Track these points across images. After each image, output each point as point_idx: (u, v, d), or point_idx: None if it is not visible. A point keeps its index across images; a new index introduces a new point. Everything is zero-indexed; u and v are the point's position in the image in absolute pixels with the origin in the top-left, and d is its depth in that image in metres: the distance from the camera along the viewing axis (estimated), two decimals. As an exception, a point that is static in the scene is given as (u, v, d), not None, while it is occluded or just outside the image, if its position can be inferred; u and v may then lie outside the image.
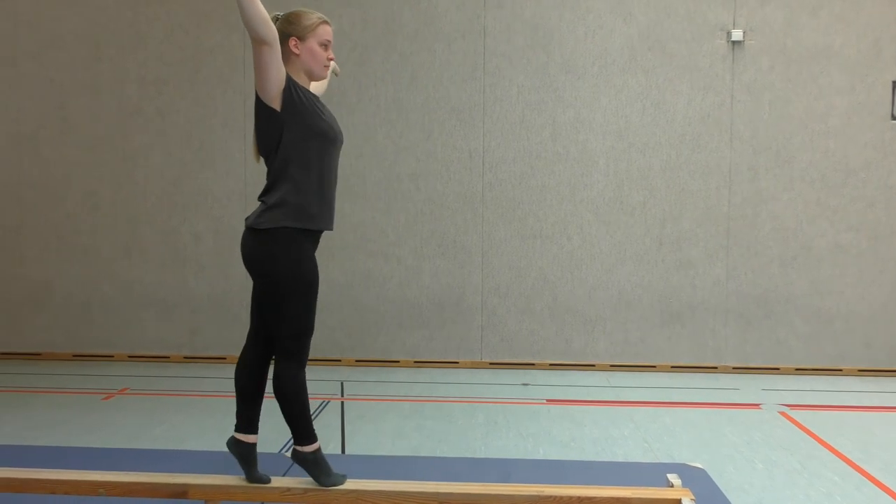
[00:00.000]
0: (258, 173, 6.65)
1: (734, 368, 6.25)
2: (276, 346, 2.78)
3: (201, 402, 5.17)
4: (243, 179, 6.44)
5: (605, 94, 6.25)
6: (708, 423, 4.79)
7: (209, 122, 6.44)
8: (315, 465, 2.79)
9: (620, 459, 4.08)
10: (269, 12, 2.72)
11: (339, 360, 6.44)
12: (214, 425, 4.64)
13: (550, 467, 3.78)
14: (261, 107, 2.69)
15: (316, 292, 2.79)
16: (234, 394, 2.90)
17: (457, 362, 6.41)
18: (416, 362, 6.43)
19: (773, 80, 6.16)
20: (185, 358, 6.42)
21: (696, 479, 3.50)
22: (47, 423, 4.76)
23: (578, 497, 2.72)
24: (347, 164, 6.37)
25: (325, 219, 2.80)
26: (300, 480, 2.85)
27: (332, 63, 3.02)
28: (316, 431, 2.84)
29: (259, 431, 2.89)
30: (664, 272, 6.28)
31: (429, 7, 6.33)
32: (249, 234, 2.73)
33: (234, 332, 6.49)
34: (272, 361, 2.85)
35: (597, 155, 6.28)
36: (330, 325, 6.46)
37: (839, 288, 6.19)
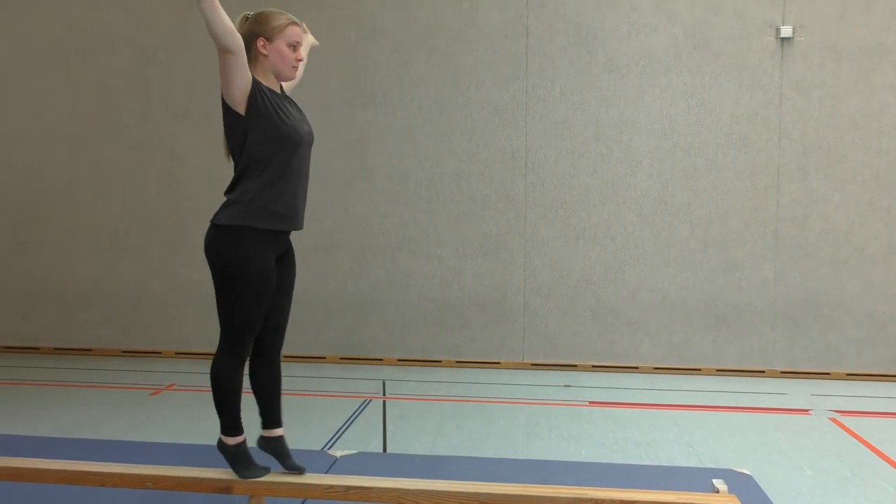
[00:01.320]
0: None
1: (782, 373, 6.12)
2: (220, 337, 2.81)
3: (246, 399, 5.24)
4: (287, 180, 6.51)
5: (650, 94, 6.17)
6: (755, 429, 4.70)
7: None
8: (235, 458, 2.83)
9: (664, 463, 4.03)
10: (243, 11, 2.77)
11: (381, 360, 6.47)
12: (259, 420, 4.70)
13: (592, 470, 3.75)
14: (226, 110, 2.71)
15: (263, 293, 2.76)
16: (252, 394, 2.96)
17: (498, 363, 6.39)
18: (457, 362, 6.43)
19: (823, 78, 6.01)
20: (230, 355, 6.52)
21: (742, 485, 3.44)
22: (98, 417, 4.88)
23: (621, 500, 2.69)
24: (390, 163, 6.42)
25: (286, 219, 2.78)
26: (343, 478, 2.87)
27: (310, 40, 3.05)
28: (244, 425, 2.87)
29: (284, 424, 2.97)
30: (709, 274, 6.17)
31: (471, 7, 6.33)
32: (209, 229, 2.78)
33: (278, 330, 6.58)
34: (270, 354, 2.94)
35: (641, 155, 6.21)
36: (371, 325, 6.50)
37: (894, 291, 6.01)
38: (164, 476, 2.87)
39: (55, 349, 6.91)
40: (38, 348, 6.93)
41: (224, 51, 2.57)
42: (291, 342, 6.88)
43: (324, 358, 6.50)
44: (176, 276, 6.67)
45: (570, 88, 6.24)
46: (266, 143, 2.69)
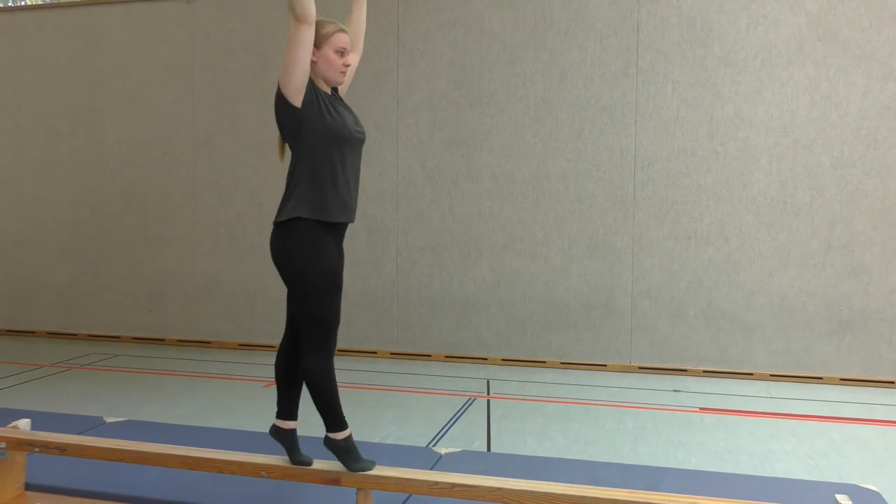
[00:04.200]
0: (410, 174, 6.86)
1: (914, 384, 5.71)
2: (303, 338, 2.88)
3: (354, 394, 5.38)
4: (394, 180, 6.63)
5: (769, 88, 5.90)
6: (884, 443, 4.40)
7: (364, 124, 6.66)
8: (346, 452, 2.89)
9: (781, 476, 3.84)
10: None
11: (486, 359, 6.48)
12: (366, 416, 4.81)
13: (703, 478, 3.62)
14: (282, 105, 2.81)
15: (337, 283, 2.86)
16: (275, 383, 3.07)
17: (604, 365, 6.28)
18: (562, 363, 6.36)
19: (965, 68, 5.56)
20: (339, 351, 6.70)
21: (869, 502, 3.23)
22: (216, 406, 5.14)
23: (735, 512, 2.58)
24: (496, 163, 6.43)
25: (340, 212, 2.87)
26: (448, 475, 2.89)
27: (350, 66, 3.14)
28: (347, 419, 2.94)
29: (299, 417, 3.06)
30: (833, 277, 5.84)
31: (580, 4, 6.24)
32: (273, 230, 2.87)
33: (386, 326, 6.72)
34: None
35: (758, 152, 5.94)
36: (477, 324, 6.53)
37: None
38: (278, 466, 2.98)
39: (178, 341, 7.32)
40: (163, 340, 7.36)
41: (299, 18, 2.67)
42: (398, 339, 7.04)
43: (429, 356, 6.58)
44: (289, 272, 6.90)
45: (683, 84, 6.05)
46: (320, 137, 2.80)
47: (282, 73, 2.77)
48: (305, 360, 2.88)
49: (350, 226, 3.11)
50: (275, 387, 3.12)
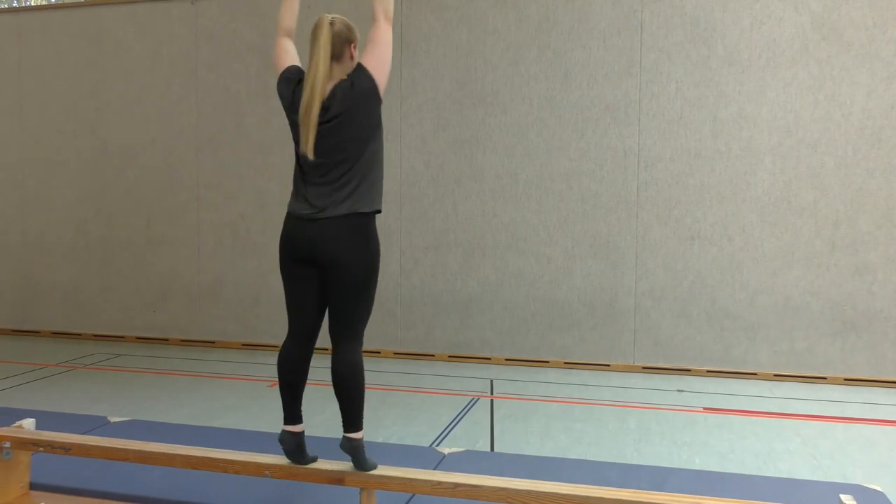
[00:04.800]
0: (413, 174, 6.85)
1: (919, 384, 5.70)
2: (342, 332, 2.88)
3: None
4: (398, 180, 6.64)
5: (773, 88, 5.89)
6: (888, 443, 4.39)
7: (368, 125, 6.67)
8: (360, 452, 2.87)
9: (785, 475, 3.83)
10: (323, 15, 2.90)
11: (489, 359, 6.49)
12: (369, 415, 4.79)
13: (707, 479, 3.62)
14: (376, 98, 2.88)
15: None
16: (279, 388, 3.04)
17: (608, 365, 6.27)
18: (565, 363, 6.35)
19: (970, 67, 5.55)
20: (342, 351, 6.70)
21: (874, 502, 3.22)
22: (220, 406, 5.14)
23: (739, 512, 2.58)
24: (500, 163, 6.42)
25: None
26: (451, 475, 2.89)
27: None
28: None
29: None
30: (837, 277, 5.83)
31: (584, 4, 6.24)
32: (344, 220, 2.80)
33: (389, 326, 6.73)
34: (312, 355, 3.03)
35: (762, 152, 5.93)
36: (480, 324, 6.53)
37: None
38: (282, 466, 2.99)
39: (182, 341, 7.33)
40: (167, 339, 7.37)
41: (389, 20, 2.83)
42: (401, 339, 7.04)
43: (433, 355, 6.58)
44: (293, 272, 6.91)
45: (687, 84, 6.04)
46: (383, 130, 2.95)
47: (379, 70, 2.85)
48: (348, 354, 2.87)
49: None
50: (278, 387, 3.10)
